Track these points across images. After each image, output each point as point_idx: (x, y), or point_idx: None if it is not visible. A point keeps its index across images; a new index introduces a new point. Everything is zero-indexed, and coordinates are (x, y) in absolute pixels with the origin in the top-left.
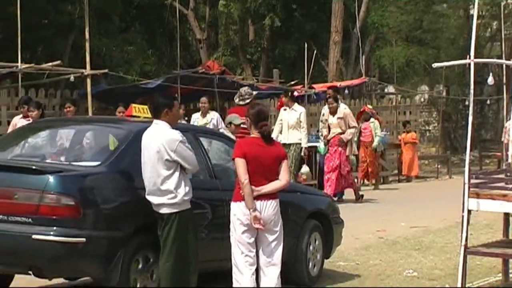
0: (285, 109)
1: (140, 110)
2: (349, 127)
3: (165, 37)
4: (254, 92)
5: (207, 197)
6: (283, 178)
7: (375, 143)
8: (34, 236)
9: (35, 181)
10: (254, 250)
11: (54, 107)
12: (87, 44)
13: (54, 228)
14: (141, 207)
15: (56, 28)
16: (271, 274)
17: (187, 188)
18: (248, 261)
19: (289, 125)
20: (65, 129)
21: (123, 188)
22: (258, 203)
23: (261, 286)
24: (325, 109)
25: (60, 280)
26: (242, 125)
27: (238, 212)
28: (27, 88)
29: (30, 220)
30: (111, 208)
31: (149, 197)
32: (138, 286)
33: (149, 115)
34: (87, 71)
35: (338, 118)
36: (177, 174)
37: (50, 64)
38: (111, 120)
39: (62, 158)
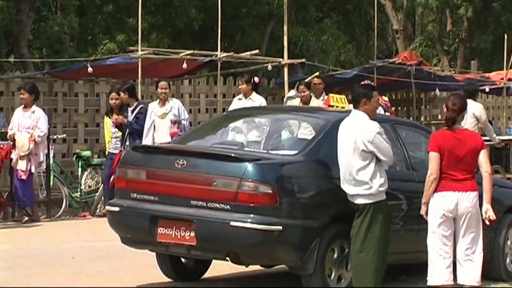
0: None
1: (337, 100)
2: None
3: (361, 27)
4: None
5: (403, 189)
6: (484, 170)
7: None
8: (232, 223)
9: (234, 169)
10: (450, 243)
11: None
12: (285, 34)
13: (252, 215)
14: (337, 197)
15: (254, 17)
16: (469, 268)
17: (383, 179)
18: (441, 255)
19: None
20: (263, 118)
21: (320, 177)
22: (456, 194)
23: (458, 280)
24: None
25: (256, 268)
26: None
27: (434, 203)
28: (225, 76)
29: (228, 207)
30: (308, 197)
31: (344, 187)
32: (333, 275)
33: (346, 105)
34: (285, 60)
35: None
36: (372, 165)
37: (249, 53)
38: (309, 109)
39: (260, 147)
